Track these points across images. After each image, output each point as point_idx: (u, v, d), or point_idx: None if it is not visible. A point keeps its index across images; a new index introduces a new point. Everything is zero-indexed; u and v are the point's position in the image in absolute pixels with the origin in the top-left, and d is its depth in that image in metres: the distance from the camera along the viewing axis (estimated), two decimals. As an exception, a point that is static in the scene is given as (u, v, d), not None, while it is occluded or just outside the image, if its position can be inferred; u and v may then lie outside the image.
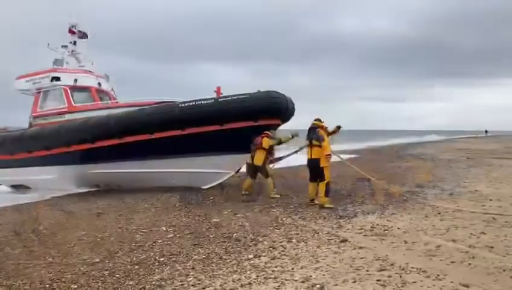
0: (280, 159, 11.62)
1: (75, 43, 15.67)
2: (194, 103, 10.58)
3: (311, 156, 8.67)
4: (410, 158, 22.70)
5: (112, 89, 15.77)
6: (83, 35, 15.71)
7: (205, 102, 10.51)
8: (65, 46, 15.53)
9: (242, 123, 10.35)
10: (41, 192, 14.08)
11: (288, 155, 10.83)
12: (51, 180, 13.29)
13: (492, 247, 5.34)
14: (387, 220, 7.04)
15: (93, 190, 13.02)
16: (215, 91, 10.95)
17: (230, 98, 10.46)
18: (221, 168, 10.92)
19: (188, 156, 10.91)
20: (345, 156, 15.22)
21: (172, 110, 10.65)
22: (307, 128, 8.91)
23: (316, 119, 8.89)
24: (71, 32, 15.57)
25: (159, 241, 6.25)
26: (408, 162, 19.52)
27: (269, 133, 9.82)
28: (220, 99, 10.51)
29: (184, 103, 10.71)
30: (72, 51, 15.56)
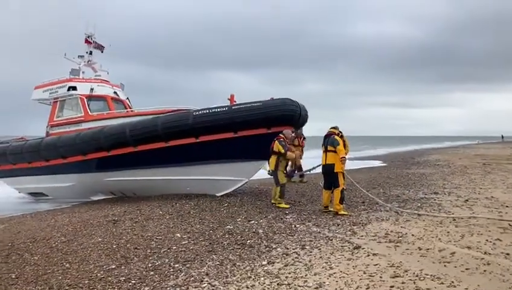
0: (308, 171, 11.83)
1: (91, 53, 15.94)
2: (207, 110, 10.66)
3: (325, 161, 8.68)
4: (425, 164, 22.50)
5: (127, 98, 15.97)
6: (99, 47, 15.98)
7: (219, 110, 10.59)
8: (81, 56, 15.82)
9: (255, 131, 10.39)
10: (58, 200, 14.33)
11: (317, 166, 10.70)
12: (68, 188, 13.51)
13: (508, 254, 5.30)
14: (402, 227, 7.02)
15: (108, 197, 13.19)
16: (228, 99, 11.04)
17: (243, 106, 10.51)
18: (235, 175, 10.95)
19: (202, 163, 10.98)
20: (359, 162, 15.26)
21: (187, 119, 10.74)
22: (323, 135, 8.94)
23: (332, 127, 8.93)
24: (87, 42, 15.84)
25: (174, 247, 6.31)
26: (423, 169, 19.35)
27: (281, 136, 9.80)
28: (233, 107, 10.60)
29: (198, 111, 10.80)
30: (88, 61, 15.84)
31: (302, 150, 14.29)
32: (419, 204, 9.28)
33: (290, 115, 10.33)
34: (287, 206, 9.33)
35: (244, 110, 10.36)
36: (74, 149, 12.34)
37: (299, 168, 14.07)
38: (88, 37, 15.82)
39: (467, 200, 9.63)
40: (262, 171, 11.10)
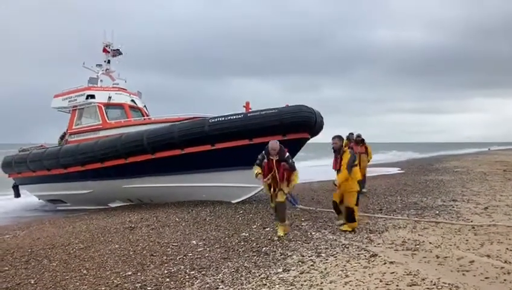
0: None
1: (109, 61, 16.22)
2: (223, 118, 10.75)
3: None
4: (444, 171, 22.18)
5: (145, 106, 16.14)
6: (116, 53, 16.21)
7: (235, 117, 10.66)
8: (99, 65, 16.10)
9: (271, 137, 10.40)
10: (77, 207, 14.51)
11: None
12: (87, 195, 13.71)
13: (529, 263, 5.18)
14: (419, 235, 6.91)
15: (126, 204, 13.32)
16: (244, 106, 11.09)
17: (259, 113, 10.56)
18: (251, 182, 10.99)
19: (218, 170, 11.05)
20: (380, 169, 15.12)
21: (203, 126, 10.83)
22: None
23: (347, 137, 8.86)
24: (105, 51, 16.12)
25: (190, 254, 6.34)
26: (441, 176, 19.07)
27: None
28: (249, 114, 10.64)
29: (214, 118, 10.89)
30: (106, 70, 16.10)
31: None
32: (437, 211, 9.14)
33: (305, 122, 10.38)
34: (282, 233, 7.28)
35: (259, 117, 10.41)
36: (92, 157, 12.49)
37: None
38: (106, 46, 16.09)
39: (486, 208, 9.45)
40: None
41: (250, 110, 10.90)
